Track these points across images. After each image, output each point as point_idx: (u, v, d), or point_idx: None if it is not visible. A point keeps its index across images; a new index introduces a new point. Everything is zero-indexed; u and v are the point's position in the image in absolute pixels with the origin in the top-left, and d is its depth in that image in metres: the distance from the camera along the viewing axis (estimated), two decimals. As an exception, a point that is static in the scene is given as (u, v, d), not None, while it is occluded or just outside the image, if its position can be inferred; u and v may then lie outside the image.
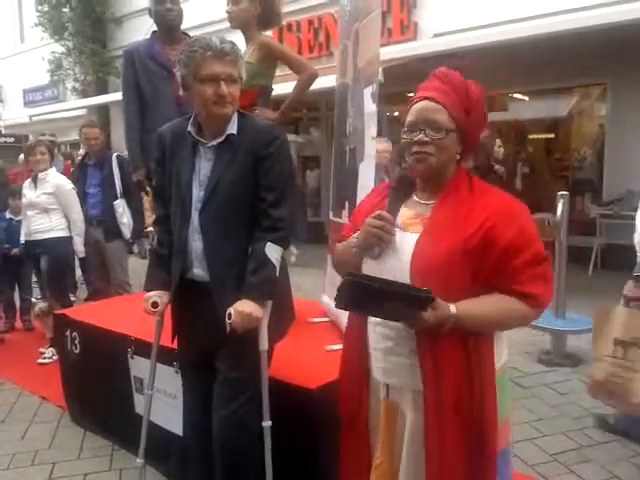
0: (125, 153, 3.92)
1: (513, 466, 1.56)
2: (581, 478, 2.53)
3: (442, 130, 1.35)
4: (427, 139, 1.36)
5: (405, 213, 1.46)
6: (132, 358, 2.64)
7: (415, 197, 1.46)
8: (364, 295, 1.26)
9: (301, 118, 10.62)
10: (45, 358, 4.09)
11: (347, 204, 2.71)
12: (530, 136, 8.87)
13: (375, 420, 1.52)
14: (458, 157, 1.42)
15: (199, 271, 1.86)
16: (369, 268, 1.47)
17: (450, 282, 1.32)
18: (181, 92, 1.82)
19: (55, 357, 3.89)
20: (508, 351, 1.52)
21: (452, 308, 1.29)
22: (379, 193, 1.57)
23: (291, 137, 9.94)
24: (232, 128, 1.81)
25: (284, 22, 8.93)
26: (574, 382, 3.57)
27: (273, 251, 1.78)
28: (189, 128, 1.84)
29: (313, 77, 2.72)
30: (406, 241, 1.38)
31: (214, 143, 1.82)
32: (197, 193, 1.83)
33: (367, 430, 1.54)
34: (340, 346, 2.37)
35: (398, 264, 1.37)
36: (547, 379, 3.63)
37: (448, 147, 1.38)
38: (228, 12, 2.71)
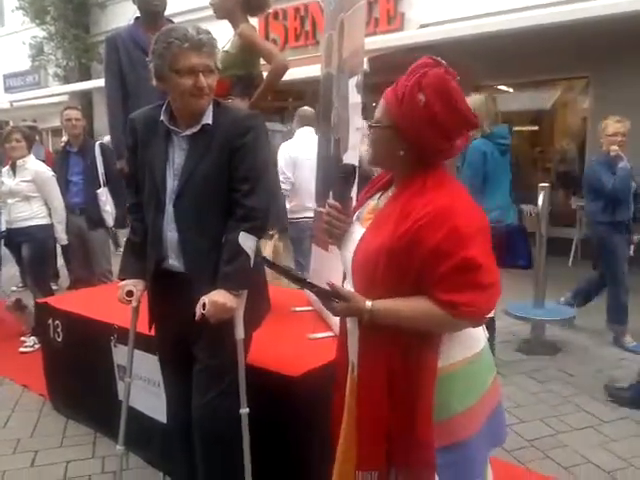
0: (108, 140, 3.88)
1: (477, 464, 1.46)
2: (556, 463, 2.60)
3: (374, 125, 1.37)
4: (366, 133, 1.43)
5: (368, 207, 1.48)
6: (115, 346, 2.63)
7: (389, 190, 1.48)
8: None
9: (287, 107, 10.57)
10: (27, 347, 4.05)
11: (331, 194, 2.73)
12: (515, 128, 8.94)
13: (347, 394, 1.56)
14: (402, 153, 1.33)
15: (174, 262, 1.85)
16: (342, 257, 1.51)
17: (376, 278, 1.31)
18: (154, 82, 1.78)
19: (37, 346, 3.86)
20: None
21: (367, 303, 1.31)
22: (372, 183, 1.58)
23: (277, 126, 9.89)
24: (207, 118, 1.79)
25: (270, 10, 8.87)
26: (552, 370, 3.65)
27: (247, 241, 1.77)
28: (162, 117, 1.80)
29: (281, 68, 2.66)
30: (359, 235, 1.41)
31: (188, 133, 1.80)
32: (171, 183, 1.81)
33: (343, 402, 1.56)
34: (323, 334, 2.43)
35: (350, 256, 1.42)
36: (526, 367, 3.71)
37: (378, 142, 1.38)
38: (211, 4, 2.69)
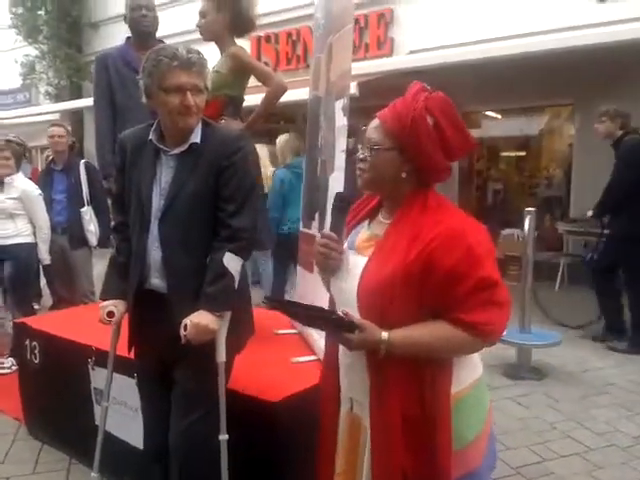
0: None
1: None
2: (543, 492, 2.56)
3: (374, 148, 1.35)
4: (362, 156, 1.38)
5: (362, 235, 1.45)
6: (93, 369, 2.57)
7: (380, 216, 1.46)
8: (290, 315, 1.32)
9: (278, 129, 10.63)
10: (4, 368, 3.95)
11: (317, 216, 2.72)
12: (502, 153, 9.06)
13: (341, 432, 1.52)
14: (404, 175, 1.34)
15: (157, 281, 1.82)
16: (333, 288, 1.48)
17: (392, 306, 1.28)
18: (144, 100, 1.79)
19: (15, 367, 3.76)
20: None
21: (384, 334, 1.27)
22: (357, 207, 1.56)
23: (265, 148, 9.91)
24: (196, 137, 1.79)
25: (262, 34, 8.97)
26: (538, 396, 3.61)
27: (232, 261, 1.74)
28: (151, 135, 1.80)
29: (280, 89, 2.67)
30: (358, 265, 1.37)
31: (176, 152, 1.79)
32: (157, 202, 1.79)
33: (335, 441, 1.53)
34: (306, 358, 2.39)
35: (349, 287, 1.37)
36: (512, 392, 3.67)
37: (379, 165, 1.35)
38: (198, 26, 2.70)
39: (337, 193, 1.49)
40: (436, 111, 1.30)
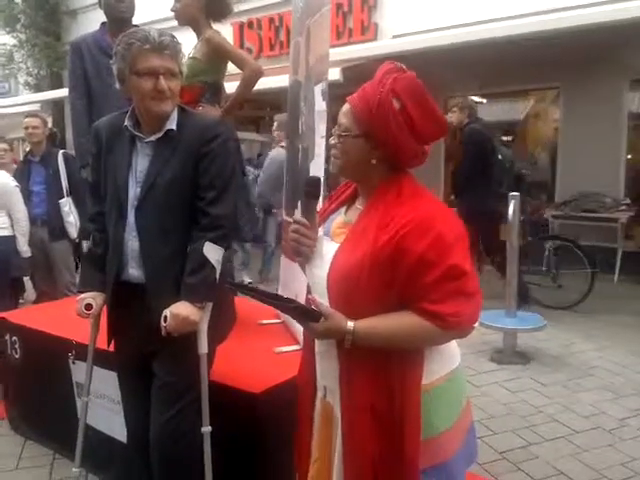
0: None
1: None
2: (528, 476, 2.57)
3: (343, 134, 1.31)
4: (333, 142, 1.35)
5: (336, 222, 1.43)
6: (74, 363, 2.53)
7: (357, 203, 1.42)
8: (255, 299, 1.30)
9: (264, 117, 10.53)
10: (-15, 364, 3.89)
11: (299, 204, 2.68)
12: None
13: (316, 419, 1.51)
14: (374, 162, 1.30)
15: (135, 271, 1.78)
16: (308, 275, 1.45)
17: (360, 294, 1.24)
18: (117, 85, 1.74)
19: (-4, 362, 3.71)
20: (461, 350, 1.44)
21: (349, 324, 1.23)
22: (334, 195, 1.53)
23: (253, 135, 9.84)
24: (172, 124, 1.75)
25: (245, 20, 8.84)
26: (524, 380, 3.64)
27: (212, 251, 1.71)
28: (126, 122, 1.76)
29: (256, 74, 2.62)
30: (330, 251, 1.34)
31: (152, 139, 1.75)
32: (133, 190, 1.75)
33: (311, 428, 1.51)
34: (290, 348, 2.37)
35: (321, 273, 1.34)
36: (498, 377, 3.69)
37: (349, 151, 1.31)
38: (173, 10, 2.64)
39: (307, 177, 1.46)
40: (403, 94, 1.25)
